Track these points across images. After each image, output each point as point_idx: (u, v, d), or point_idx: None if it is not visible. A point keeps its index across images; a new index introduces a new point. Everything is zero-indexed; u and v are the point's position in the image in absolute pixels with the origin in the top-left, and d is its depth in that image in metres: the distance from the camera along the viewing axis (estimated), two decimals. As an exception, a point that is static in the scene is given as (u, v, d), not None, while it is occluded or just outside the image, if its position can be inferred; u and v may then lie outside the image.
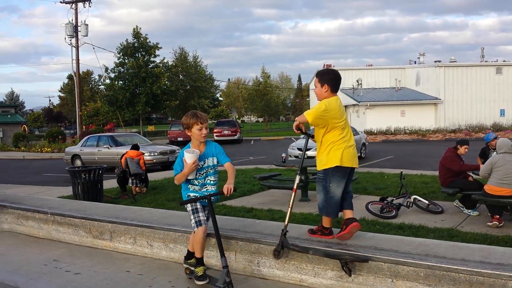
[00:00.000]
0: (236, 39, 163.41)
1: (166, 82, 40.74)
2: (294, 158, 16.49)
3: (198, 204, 4.21)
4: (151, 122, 75.68)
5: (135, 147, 11.53)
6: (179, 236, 4.83)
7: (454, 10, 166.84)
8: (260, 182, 10.03)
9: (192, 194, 4.23)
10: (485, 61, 36.60)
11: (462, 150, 7.97)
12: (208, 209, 4.23)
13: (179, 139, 32.94)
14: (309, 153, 16.85)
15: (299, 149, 17.35)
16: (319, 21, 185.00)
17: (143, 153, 11.69)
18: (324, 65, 43.91)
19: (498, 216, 6.87)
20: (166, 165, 17.32)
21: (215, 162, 4.26)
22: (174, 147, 18.35)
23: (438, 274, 3.47)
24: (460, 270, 3.38)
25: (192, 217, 4.16)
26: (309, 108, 62.25)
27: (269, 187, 9.86)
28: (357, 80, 36.40)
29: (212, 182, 4.29)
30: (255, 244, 4.37)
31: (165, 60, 42.15)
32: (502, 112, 32.41)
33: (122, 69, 38.72)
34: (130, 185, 10.69)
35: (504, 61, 36.66)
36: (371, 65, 42.58)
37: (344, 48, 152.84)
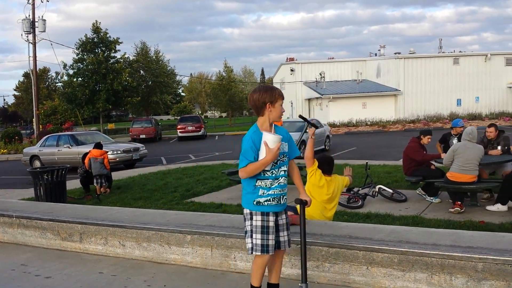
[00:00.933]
0: (198, 33, 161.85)
1: (127, 78, 39.83)
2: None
3: (271, 217, 3.25)
4: (111, 120, 74.00)
5: (98, 146, 11.25)
6: (153, 235, 4.76)
7: (412, 2, 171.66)
8: (229, 177, 10.03)
9: (262, 200, 3.23)
10: (443, 52, 37.83)
11: (425, 140, 8.24)
12: (301, 218, 3.36)
13: (141, 136, 32.38)
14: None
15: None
16: (282, 14, 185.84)
17: (107, 152, 11.42)
18: (287, 58, 44.24)
19: (459, 202, 7.14)
20: (130, 164, 17.00)
21: (286, 149, 3.38)
22: (138, 145, 18.02)
23: (412, 259, 3.59)
24: (432, 254, 3.51)
25: (255, 236, 3.22)
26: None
27: (238, 182, 9.86)
28: (320, 73, 36.86)
29: (285, 173, 3.36)
30: (231, 239, 4.37)
31: (126, 56, 41.25)
32: (459, 102, 33.67)
33: (81, 65, 37.56)
34: (95, 185, 10.44)
35: (460, 51, 38.05)
36: (333, 58, 43.21)
37: (307, 41, 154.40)
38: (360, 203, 7.89)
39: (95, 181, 10.42)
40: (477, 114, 32.15)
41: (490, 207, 7.08)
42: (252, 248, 3.23)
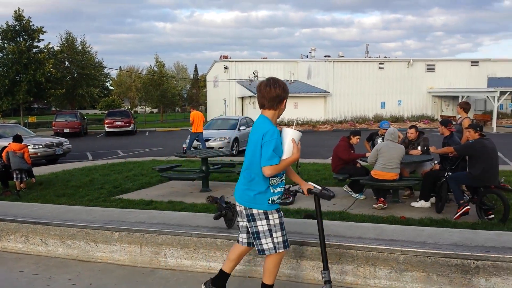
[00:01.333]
0: (128, 26, 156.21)
1: (51, 69, 37.66)
2: (193, 150, 16.40)
3: (281, 212, 3.28)
4: (32, 113, 69.57)
5: (18, 139, 10.53)
6: (78, 232, 4.55)
7: (341, 7, 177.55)
8: (160, 173, 9.82)
9: (275, 198, 3.21)
10: (369, 57, 39.74)
11: (354, 140, 8.63)
12: (316, 210, 3.36)
13: (65, 130, 30.76)
14: (208, 143, 16.91)
15: (197, 140, 17.29)
16: (215, 11, 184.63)
17: (27, 146, 10.73)
18: (220, 56, 44.15)
19: (382, 199, 7.55)
20: (53, 159, 16.13)
21: None
22: (62, 139, 17.10)
23: (338, 252, 3.73)
24: (358, 247, 3.68)
25: (276, 234, 3.15)
26: (206, 99, 61.07)
27: (170, 178, 9.69)
28: (253, 72, 37.18)
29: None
30: (162, 236, 4.29)
31: (50, 46, 38.98)
32: (383, 105, 35.57)
33: (1, 55, 35.01)
34: (14, 180, 9.77)
35: (385, 57, 40.13)
36: (266, 58, 43.78)
37: (240, 40, 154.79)
38: (290, 200, 8.08)
39: (14, 176, 9.74)
40: (399, 116, 34.17)
41: (414, 204, 7.54)
42: (275, 247, 3.13)
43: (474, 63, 37.68)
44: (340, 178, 8.56)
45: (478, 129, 6.63)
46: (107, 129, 31.59)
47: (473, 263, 3.36)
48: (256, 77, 37.16)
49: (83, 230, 4.52)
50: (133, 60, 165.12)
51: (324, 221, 4.85)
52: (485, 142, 6.39)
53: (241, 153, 17.55)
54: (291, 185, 8.71)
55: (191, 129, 16.79)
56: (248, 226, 3.17)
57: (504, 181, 7.14)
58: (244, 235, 3.25)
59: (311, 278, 3.80)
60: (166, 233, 4.29)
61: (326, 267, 3.15)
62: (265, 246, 3.12)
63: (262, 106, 3.22)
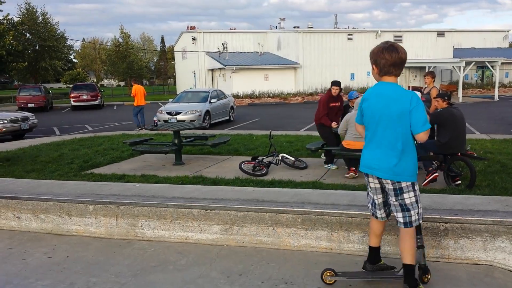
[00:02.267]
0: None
1: (12, 41, 36.10)
2: (164, 123, 16.24)
3: None
4: (-7, 87, 66.89)
5: None
6: (51, 206, 4.49)
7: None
8: (131, 147, 9.70)
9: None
10: (338, 28, 39.77)
11: (333, 91, 8.81)
12: None
13: (30, 105, 29.78)
14: (179, 117, 16.76)
15: (168, 113, 17.11)
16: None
17: None
18: (187, 27, 43.23)
19: (354, 168, 7.72)
20: (19, 134, 15.65)
21: None
22: (27, 114, 16.58)
23: (314, 219, 3.83)
24: (332, 213, 3.78)
25: (419, 205, 3.07)
26: (174, 72, 59.99)
27: (141, 152, 9.58)
28: (222, 44, 36.70)
29: None
30: (138, 208, 4.28)
31: (10, 17, 37.25)
32: (352, 76, 35.88)
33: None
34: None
35: (353, 28, 40.28)
36: (235, 29, 43.20)
37: (207, 10, 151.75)
38: (264, 171, 8.16)
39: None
40: (368, 87, 34.63)
41: None
42: (418, 218, 3.05)
43: (440, 34, 38.29)
44: (312, 149, 8.68)
45: (446, 98, 6.81)
46: (73, 103, 30.76)
47: (442, 225, 3.51)
48: (226, 49, 36.71)
49: (56, 203, 4.46)
50: (97, 32, 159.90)
51: (299, 190, 4.95)
52: (453, 110, 6.58)
53: (213, 126, 17.49)
54: (264, 157, 8.79)
55: (134, 103, 17.28)
56: (392, 200, 3.03)
57: (470, 148, 7.42)
58: (382, 210, 3.14)
59: (288, 244, 3.89)
60: (142, 205, 4.28)
61: (419, 233, 3.15)
62: (413, 218, 3.01)
63: (387, 73, 3.06)
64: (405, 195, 3.01)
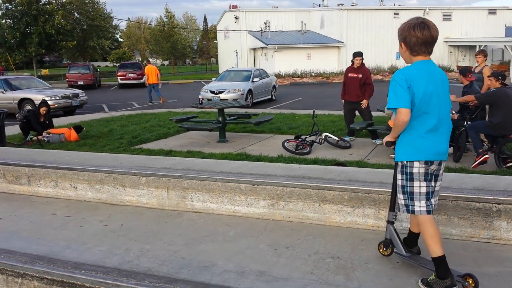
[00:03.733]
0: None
1: (61, 21, 37.31)
2: (207, 101, 16.44)
3: None
4: (44, 66, 69.51)
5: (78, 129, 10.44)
6: (106, 177, 4.71)
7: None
8: (178, 124, 9.93)
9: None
10: (384, 5, 38.50)
11: (355, 62, 8.75)
12: None
13: (79, 83, 30.84)
14: (222, 96, 16.92)
15: (212, 91, 17.30)
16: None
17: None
18: (230, 6, 43.12)
19: (400, 148, 7.60)
20: (70, 110, 16.31)
21: None
22: (77, 91, 17.22)
23: (361, 196, 3.83)
24: (380, 191, 3.76)
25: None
26: (216, 51, 60.21)
27: (187, 129, 9.81)
28: (264, 22, 36.42)
29: None
30: (187, 181, 4.42)
31: (58, -4, 38.48)
32: (398, 55, 34.84)
33: (9, 6, 34.62)
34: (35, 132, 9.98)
35: (400, 5, 38.89)
36: (277, 7, 42.71)
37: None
38: (307, 150, 8.17)
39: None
40: (414, 67, 33.54)
41: None
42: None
43: (492, 11, 36.37)
44: (357, 129, 8.59)
45: (500, 77, 6.54)
46: (120, 82, 31.61)
47: (495, 206, 3.44)
48: (268, 28, 36.42)
49: (111, 175, 4.67)
50: (142, 12, 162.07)
51: (345, 168, 4.95)
52: (507, 90, 6.33)
53: (255, 105, 17.55)
54: (307, 135, 8.79)
55: (146, 82, 19.50)
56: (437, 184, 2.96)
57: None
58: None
59: (334, 220, 3.93)
60: (191, 178, 4.42)
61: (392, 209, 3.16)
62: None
63: (420, 52, 2.85)
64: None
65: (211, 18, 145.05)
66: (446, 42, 35.64)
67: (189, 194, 4.43)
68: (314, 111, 9.43)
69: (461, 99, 7.63)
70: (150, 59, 78.85)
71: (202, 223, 4.06)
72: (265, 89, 19.25)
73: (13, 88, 16.19)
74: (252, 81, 18.21)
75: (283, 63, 32.26)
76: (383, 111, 8.19)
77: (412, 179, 2.83)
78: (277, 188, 4.14)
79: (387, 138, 3.03)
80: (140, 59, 72.77)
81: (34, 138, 9.80)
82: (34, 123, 9.98)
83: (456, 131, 7.38)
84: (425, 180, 2.82)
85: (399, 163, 2.91)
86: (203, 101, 16.64)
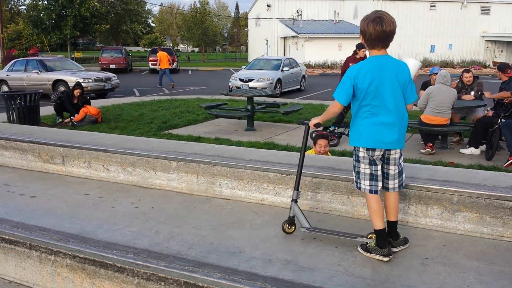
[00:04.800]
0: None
1: (96, 4, 37.90)
2: (236, 89, 16.48)
3: None
4: (77, 48, 70.94)
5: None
6: (138, 160, 4.80)
7: None
8: (207, 111, 10.02)
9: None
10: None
11: (361, 53, 8.55)
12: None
13: (111, 66, 31.40)
14: (251, 84, 16.92)
15: (241, 79, 17.32)
16: None
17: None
18: (263, -6, 42.82)
19: (431, 144, 7.45)
20: (102, 93, 16.65)
21: None
22: (110, 74, 17.55)
23: (391, 191, 3.78)
24: (410, 186, 3.71)
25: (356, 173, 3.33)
26: (247, 39, 60.17)
27: (216, 116, 9.89)
28: (297, 11, 36.07)
29: None
30: (217, 167, 4.46)
31: (94, -21, 38.96)
32: (432, 48, 33.98)
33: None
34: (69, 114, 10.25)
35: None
36: (311, -4, 42.16)
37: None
38: (336, 142, 8.12)
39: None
40: (449, 61, 32.68)
41: (463, 150, 7.42)
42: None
43: (535, 6, 35.00)
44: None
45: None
46: (152, 66, 31.98)
47: (531, 206, 3.35)
48: (300, 16, 36.08)
49: (142, 158, 4.76)
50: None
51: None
52: (547, 88, 6.11)
53: (284, 94, 17.49)
54: (335, 127, 8.72)
55: (159, 67, 21.11)
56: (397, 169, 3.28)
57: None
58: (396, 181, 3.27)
59: (362, 213, 3.90)
60: (220, 165, 4.45)
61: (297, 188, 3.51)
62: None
63: (386, 46, 3.07)
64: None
65: (242, 5, 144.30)
66: (483, 37, 34.55)
67: (218, 181, 4.47)
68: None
69: (496, 96, 7.41)
70: (181, 45, 79.35)
71: (230, 210, 4.11)
72: (294, 79, 19.15)
73: (47, 69, 16.61)
74: (282, 70, 18.12)
75: (314, 52, 31.96)
76: (416, 105, 8.04)
77: (358, 161, 3.20)
78: (305, 178, 4.13)
79: (316, 120, 3.40)
80: (171, 45, 73.33)
81: (67, 120, 10.07)
82: (68, 104, 10.24)
83: (490, 128, 7.19)
84: (369, 163, 3.14)
85: (354, 147, 3.25)
86: (232, 88, 16.73)
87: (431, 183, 3.68)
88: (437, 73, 8.82)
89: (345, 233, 3.44)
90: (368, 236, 3.27)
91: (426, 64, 30.67)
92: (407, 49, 33.09)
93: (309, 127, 3.51)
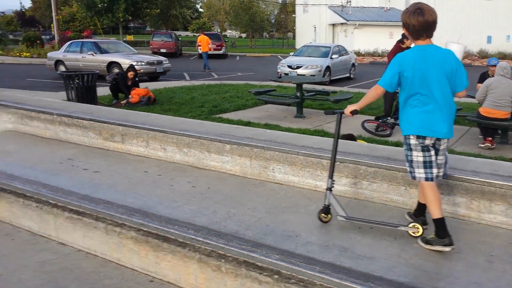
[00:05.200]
0: None
1: (147, -12, 38.63)
2: (284, 75, 16.43)
3: None
4: (128, 32, 72.70)
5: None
6: (193, 141, 4.91)
7: None
8: (256, 97, 10.06)
9: None
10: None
11: (408, 43, 8.23)
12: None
13: (162, 50, 32.00)
14: (299, 71, 16.81)
15: (289, 66, 17.23)
16: None
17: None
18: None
19: (490, 138, 7.17)
20: (154, 77, 17.04)
21: None
22: (162, 58, 17.91)
23: (452, 184, 3.69)
24: (472, 180, 3.60)
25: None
26: (294, 26, 59.71)
27: (266, 102, 9.92)
28: (347, -2, 35.34)
29: None
30: (270, 152, 4.49)
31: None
32: (489, 39, 32.37)
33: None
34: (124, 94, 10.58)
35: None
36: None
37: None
38: (388, 132, 7.97)
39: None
40: (507, 53, 31.04)
41: None
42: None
43: None
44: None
45: None
46: (200, 51, 32.32)
47: None
48: (349, 3, 35.31)
49: (197, 140, 4.86)
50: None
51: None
52: None
53: (333, 82, 17.27)
54: (388, 117, 8.54)
55: (200, 50, 22.89)
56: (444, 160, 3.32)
57: None
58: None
59: (418, 205, 3.82)
60: (273, 149, 4.48)
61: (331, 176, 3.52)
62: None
63: (431, 36, 3.17)
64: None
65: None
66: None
67: (271, 165, 4.51)
68: (396, 92, 9.13)
69: None
70: (229, 31, 79.66)
71: (284, 194, 4.14)
72: (344, 67, 18.85)
73: (102, 51, 17.17)
74: (331, 58, 17.88)
75: (364, 40, 31.26)
76: (474, 97, 7.73)
77: (410, 149, 3.18)
78: (360, 167, 4.09)
79: (353, 107, 3.38)
80: (219, 30, 73.80)
81: (123, 101, 10.40)
82: (122, 85, 10.57)
83: None
84: (422, 150, 3.12)
85: (404, 136, 3.25)
86: (281, 74, 16.70)
87: (494, 178, 3.56)
88: (495, 65, 8.45)
89: (385, 223, 3.42)
90: (410, 226, 3.26)
91: (482, 55, 29.33)
92: (461, 40, 31.66)
93: (341, 116, 3.52)
